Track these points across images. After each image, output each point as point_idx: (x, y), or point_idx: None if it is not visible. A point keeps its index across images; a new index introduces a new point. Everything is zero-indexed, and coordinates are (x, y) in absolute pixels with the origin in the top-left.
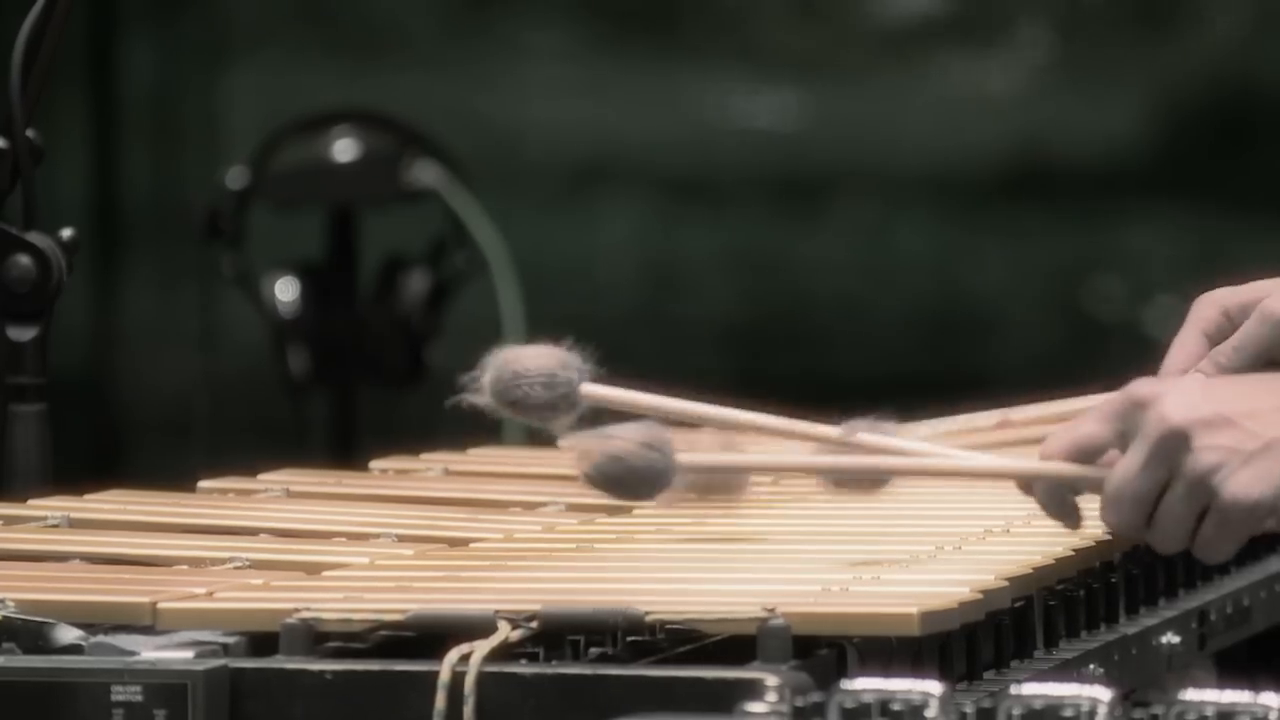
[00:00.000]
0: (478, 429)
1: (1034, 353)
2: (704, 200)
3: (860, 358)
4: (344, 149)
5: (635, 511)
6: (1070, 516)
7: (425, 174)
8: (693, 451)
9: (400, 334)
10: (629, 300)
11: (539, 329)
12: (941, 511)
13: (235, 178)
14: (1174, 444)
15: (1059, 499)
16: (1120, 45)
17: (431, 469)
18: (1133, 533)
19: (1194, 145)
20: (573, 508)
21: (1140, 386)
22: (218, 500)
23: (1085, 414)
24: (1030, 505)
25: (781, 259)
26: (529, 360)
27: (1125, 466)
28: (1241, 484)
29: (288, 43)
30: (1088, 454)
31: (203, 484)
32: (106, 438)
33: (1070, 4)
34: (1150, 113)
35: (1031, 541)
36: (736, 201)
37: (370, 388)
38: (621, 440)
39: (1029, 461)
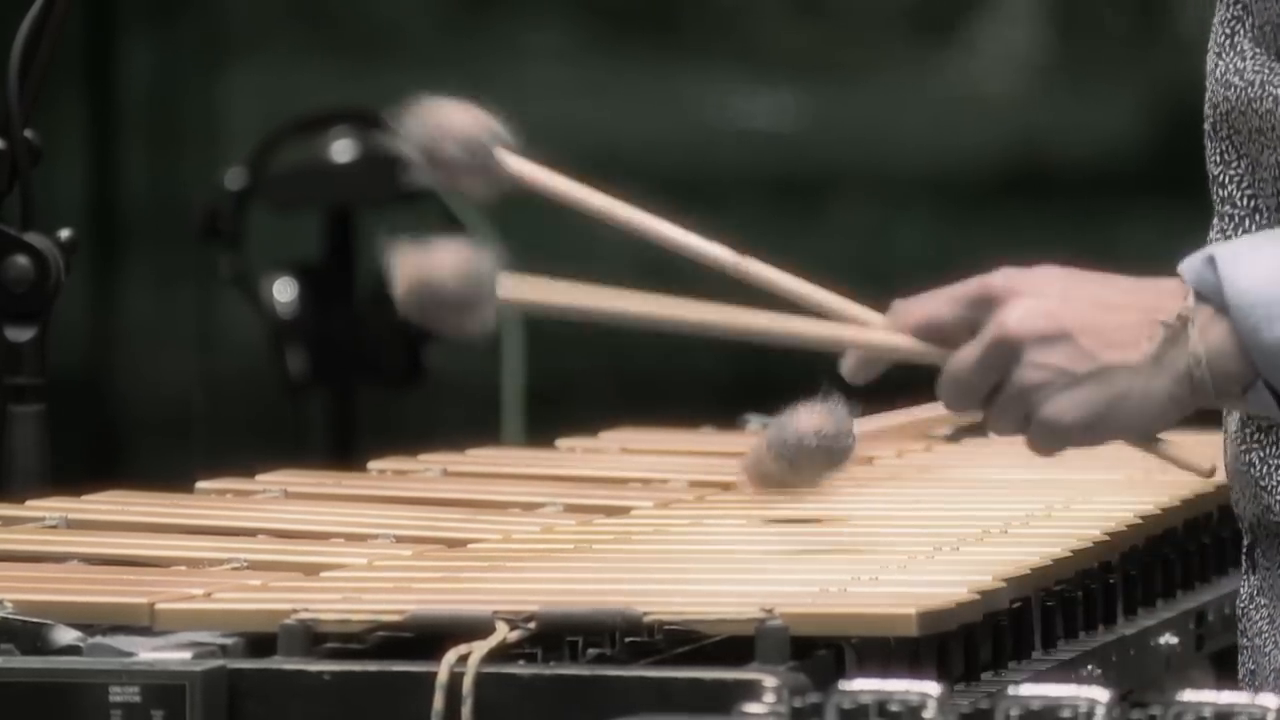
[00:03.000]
0: (476, 430)
1: None
2: (702, 200)
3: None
4: (342, 149)
5: (633, 512)
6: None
7: (424, 175)
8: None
9: (398, 335)
10: None
11: (538, 330)
12: (939, 512)
13: (234, 178)
14: (1006, 352)
15: (869, 367)
16: (1117, 45)
17: (430, 470)
18: (967, 416)
19: (1191, 145)
20: (571, 509)
21: (998, 278)
22: (216, 501)
23: (942, 291)
24: (1026, 507)
25: (780, 259)
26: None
27: (962, 358)
28: (1057, 408)
29: (286, 43)
30: (933, 334)
31: (201, 485)
32: (105, 438)
33: (1067, 3)
34: (1147, 112)
35: (1029, 542)
36: (735, 202)
37: (368, 388)
38: (442, 264)
39: (873, 332)
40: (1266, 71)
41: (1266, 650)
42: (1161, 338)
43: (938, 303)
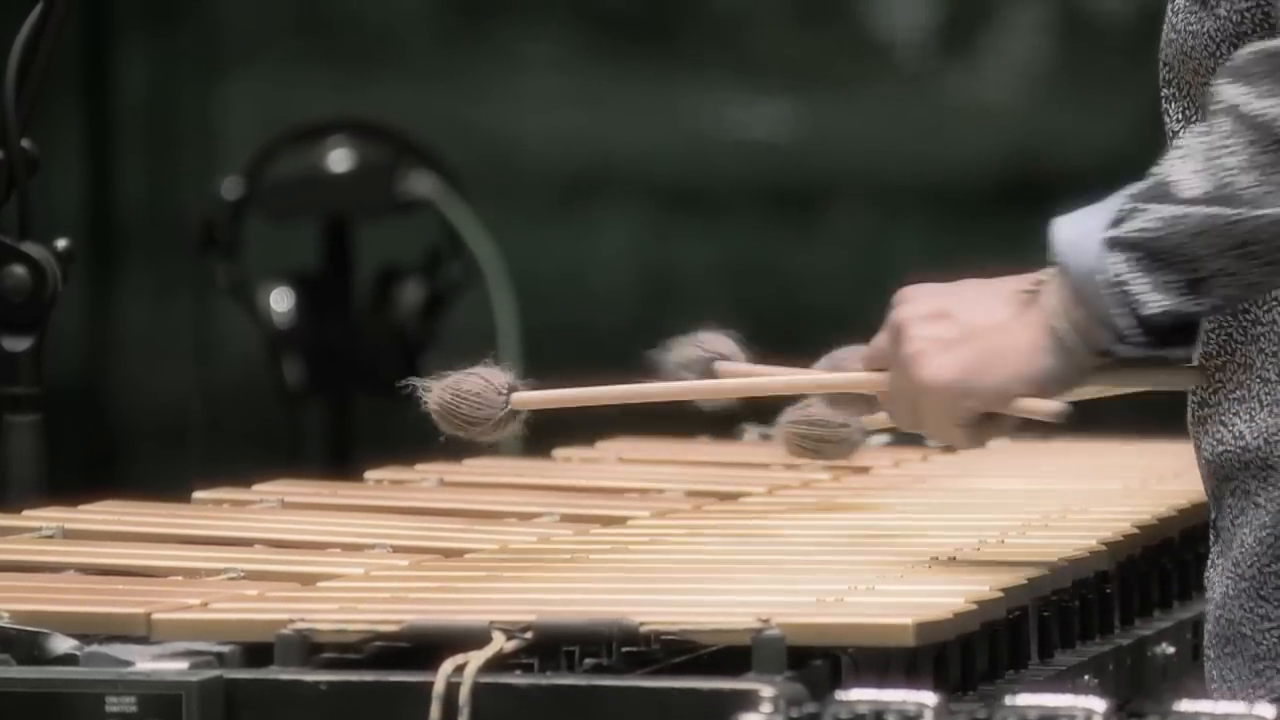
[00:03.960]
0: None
1: None
2: (699, 210)
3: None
4: (339, 159)
5: (630, 522)
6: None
7: (420, 184)
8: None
9: (395, 344)
10: (624, 311)
11: (534, 339)
12: (936, 523)
13: (230, 188)
14: (895, 339)
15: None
16: (1116, 55)
17: (426, 479)
18: (910, 426)
19: None
20: (567, 518)
21: (898, 294)
22: (212, 511)
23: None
24: (1023, 517)
25: (777, 269)
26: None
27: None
28: (933, 368)
29: (283, 53)
30: (879, 362)
31: (197, 495)
32: (101, 448)
33: (1066, 14)
34: (1147, 122)
35: (1026, 552)
36: (732, 212)
37: (365, 398)
38: (460, 377)
39: (846, 375)
40: (1189, 16)
41: (1214, 595)
42: (1022, 301)
43: (878, 336)
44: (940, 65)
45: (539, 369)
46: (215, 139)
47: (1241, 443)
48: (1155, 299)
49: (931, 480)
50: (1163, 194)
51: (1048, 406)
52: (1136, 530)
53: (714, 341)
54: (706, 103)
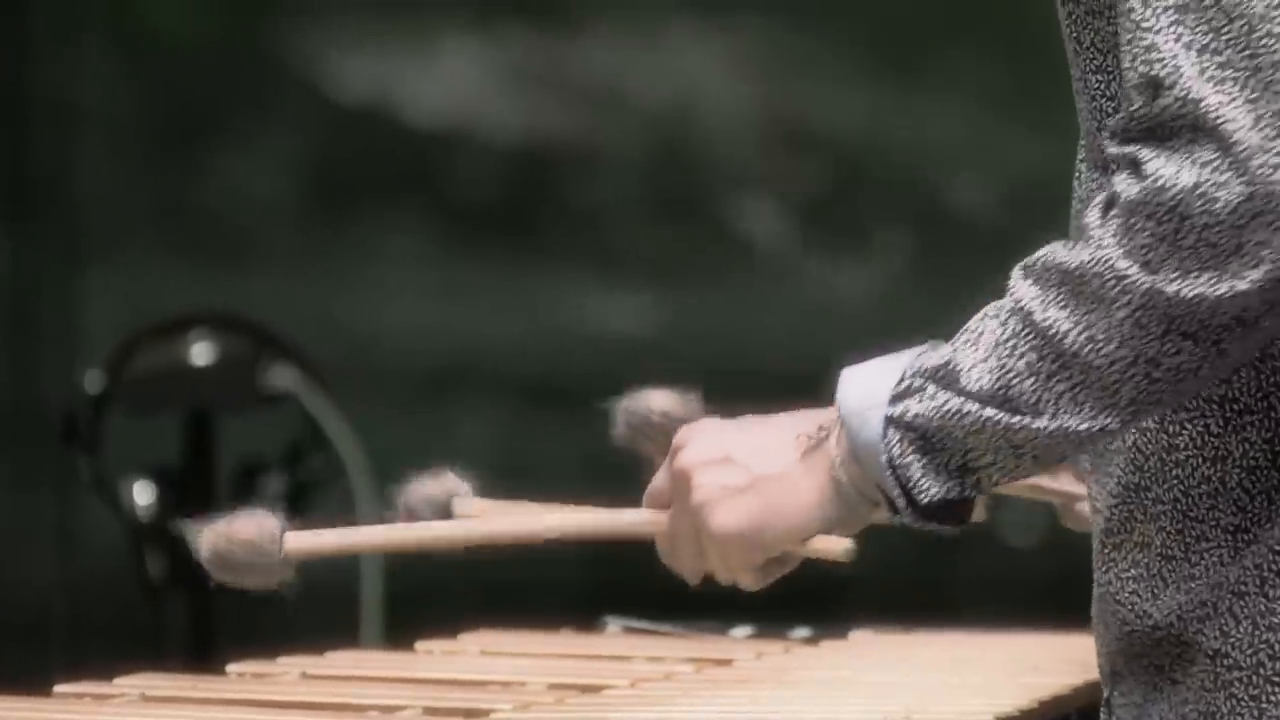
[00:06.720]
0: (335, 632)
1: (894, 562)
2: (560, 404)
3: None
4: (200, 352)
5: (492, 715)
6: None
7: (282, 377)
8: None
9: None
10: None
11: None
12: (798, 716)
13: (92, 382)
14: (682, 485)
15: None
16: (974, 249)
17: (288, 672)
18: (694, 574)
19: None
20: (429, 711)
21: (680, 434)
22: (74, 705)
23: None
24: (885, 709)
25: (639, 465)
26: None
27: (670, 512)
28: (719, 518)
29: (144, 245)
30: (658, 502)
31: (59, 688)
32: None
33: (925, 209)
34: None
35: None
36: (592, 405)
37: (227, 592)
38: (234, 529)
39: (622, 515)
40: (1091, 184)
41: None
42: (805, 447)
43: (657, 475)
44: (800, 260)
45: (404, 561)
46: (76, 331)
47: (1149, 621)
48: (930, 486)
49: (794, 673)
50: (947, 379)
51: (836, 547)
52: None
53: (447, 480)
54: (567, 296)
